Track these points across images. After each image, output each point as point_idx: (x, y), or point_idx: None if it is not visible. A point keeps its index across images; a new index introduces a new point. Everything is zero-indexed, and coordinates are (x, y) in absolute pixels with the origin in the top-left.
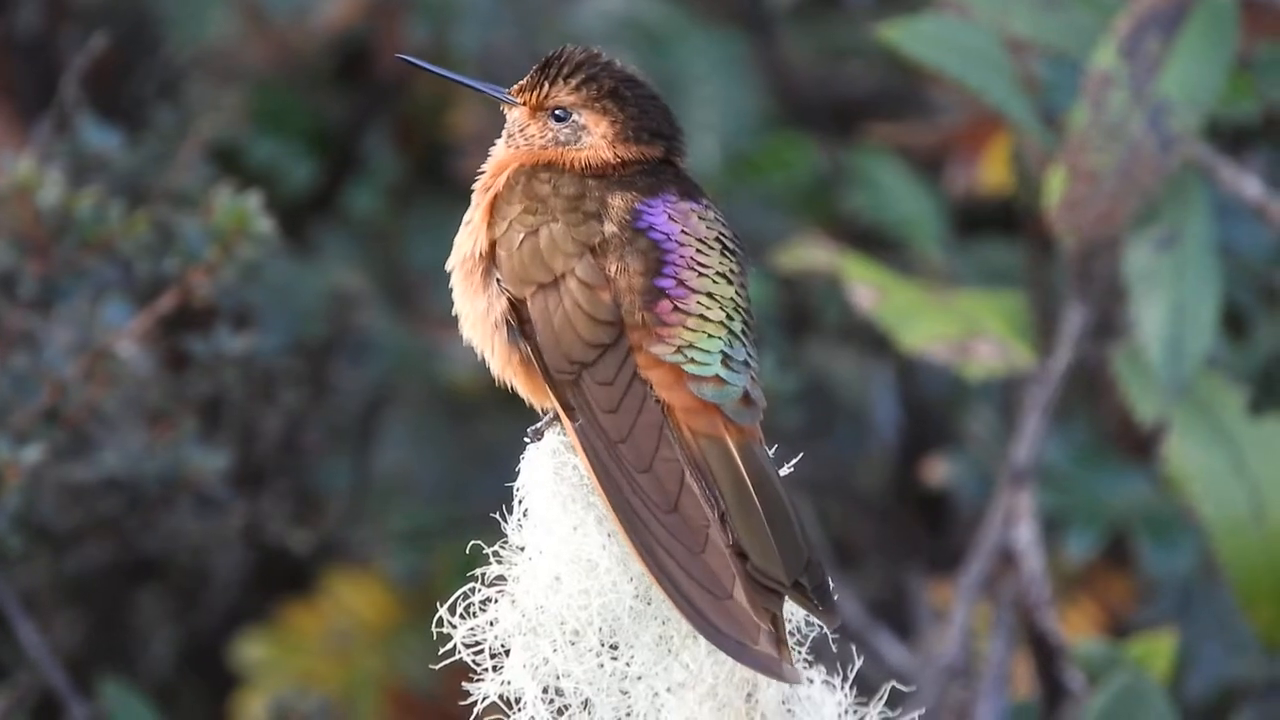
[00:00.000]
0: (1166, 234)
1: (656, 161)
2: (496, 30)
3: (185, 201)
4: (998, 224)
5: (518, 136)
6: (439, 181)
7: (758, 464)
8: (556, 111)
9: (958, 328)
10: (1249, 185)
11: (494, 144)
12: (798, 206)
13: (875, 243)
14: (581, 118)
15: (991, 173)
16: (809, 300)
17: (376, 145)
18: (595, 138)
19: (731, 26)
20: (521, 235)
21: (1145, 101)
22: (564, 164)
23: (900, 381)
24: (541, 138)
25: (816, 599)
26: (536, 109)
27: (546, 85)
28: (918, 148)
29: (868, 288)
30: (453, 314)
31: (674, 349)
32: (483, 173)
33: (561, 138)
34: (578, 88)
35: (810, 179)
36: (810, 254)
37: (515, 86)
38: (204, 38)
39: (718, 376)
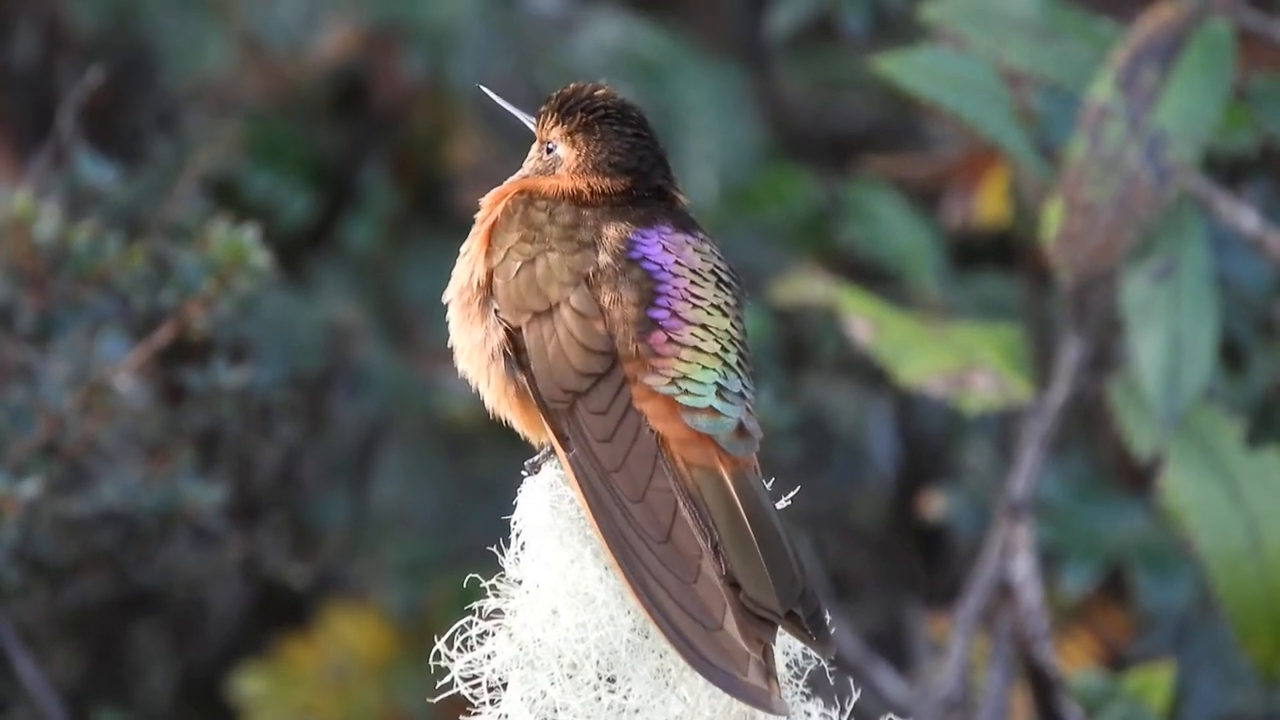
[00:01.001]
0: (1163, 266)
1: (648, 194)
2: (493, 62)
3: (182, 234)
4: (995, 256)
5: (526, 165)
6: (436, 214)
7: (752, 495)
8: (547, 144)
9: (955, 360)
10: (1246, 217)
11: (490, 178)
12: (794, 239)
13: (872, 275)
14: (559, 148)
15: (988, 205)
16: (806, 333)
17: (373, 178)
18: (562, 168)
19: (728, 59)
20: (519, 263)
21: (1142, 133)
22: (549, 193)
23: (897, 414)
24: (532, 165)
25: (811, 629)
26: (540, 141)
27: (546, 118)
28: (914, 180)
29: (865, 320)
30: (448, 345)
31: (668, 380)
32: (481, 204)
33: (542, 167)
34: (559, 120)
35: (807, 211)
36: (807, 286)
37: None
38: (201, 70)
39: (711, 408)
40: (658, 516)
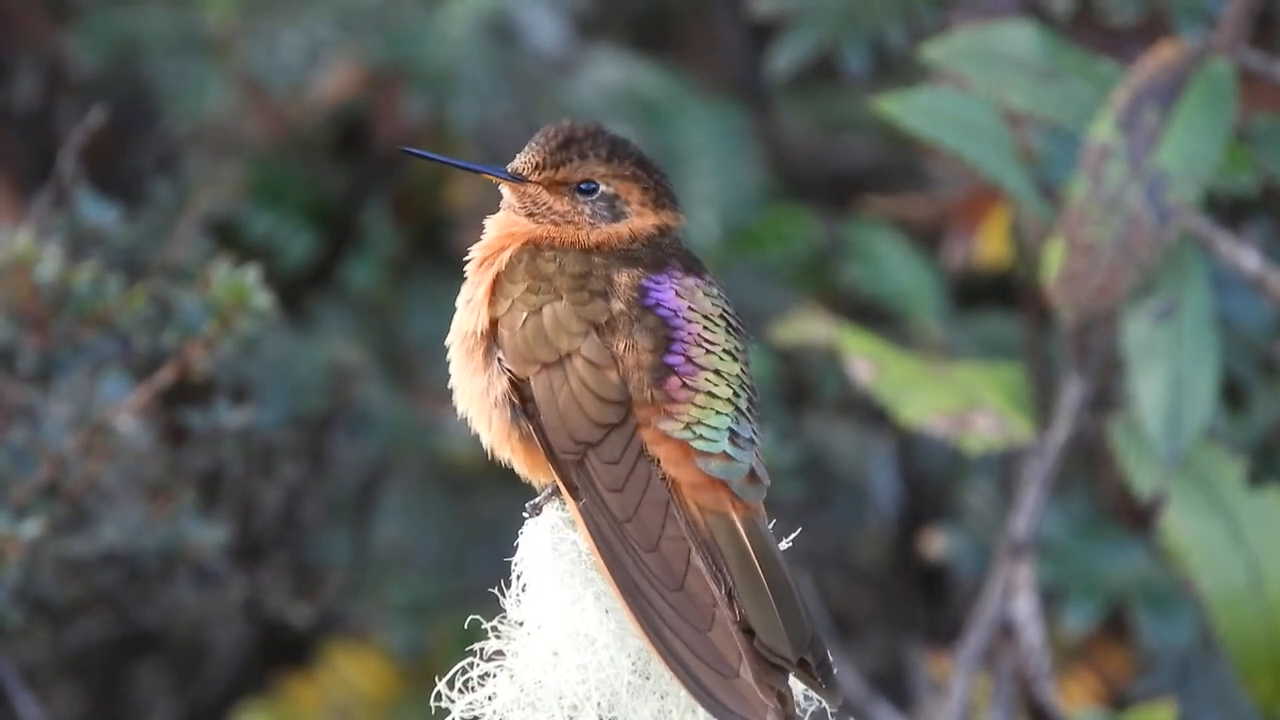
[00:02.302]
0: (1165, 306)
1: (659, 235)
2: (494, 103)
3: (183, 275)
4: (996, 297)
5: (541, 213)
6: (437, 255)
7: (763, 541)
8: (583, 185)
9: (956, 401)
10: (1247, 257)
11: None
12: (796, 279)
13: (873, 316)
14: (611, 188)
15: (989, 245)
16: (808, 373)
17: (374, 219)
18: (634, 205)
19: (729, 99)
20: (525, 314)
21: (1143, 174)
22: (582, 241)
23: (899, 454)
24: (574, 213)
25: (820, 675)
26: (560, 184)
27: (575, 160)
28: (915, 220)
29: (866, 361)
30: (449, 386)
31: (682, 425)
32: (471, 253)
33: (593, 210)
34: (607, 159)
35: (808, 251)
36: (808, 327)
37: (520, 163)
38: (202, 112)
39: (725, 453)
40: (671, 565)
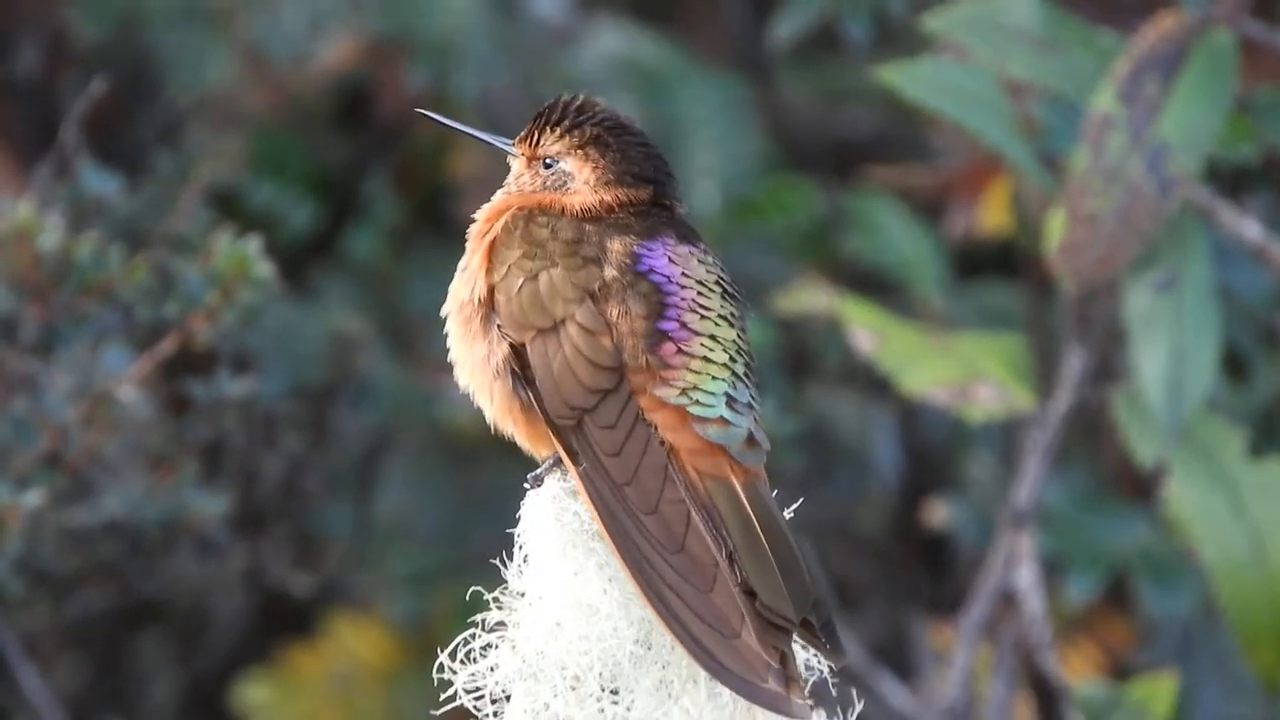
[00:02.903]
0: (1166, 277)
1: (650, 205)
2: (496, 74)
3: (185, 246)
4: (997, 267)
5: (513, 184)
6: (439, 225)
7: (764, 504)
8: (546, 160)
9: (958, 371)
10: (1248, 228)
11: (494, 188)
12: (797, 249)
13: (875, 286)
14: (567, 164)
15: (991, 216)
16: (809, 344)
17: (376, 189)
18: (579, 183)
19: (730, 69)
20: (520, 280)
21: (1144, 144)
22: (557, 208)
23: (901, 424)
24: (532, 185)
25: (824, 636)
26: (531, 158)
27: (537, 134)
28: (917, 191)
29: (868, 331)
30: (449, 360)
31: (678, 391)
32: (475, 220)
33: (549, 184)
34: (562, 135)
35: (810, 222)
36: (810, 297)
37: (517, 137)
38: (204, 83)
39: (722, 418)
40: (671, 528)
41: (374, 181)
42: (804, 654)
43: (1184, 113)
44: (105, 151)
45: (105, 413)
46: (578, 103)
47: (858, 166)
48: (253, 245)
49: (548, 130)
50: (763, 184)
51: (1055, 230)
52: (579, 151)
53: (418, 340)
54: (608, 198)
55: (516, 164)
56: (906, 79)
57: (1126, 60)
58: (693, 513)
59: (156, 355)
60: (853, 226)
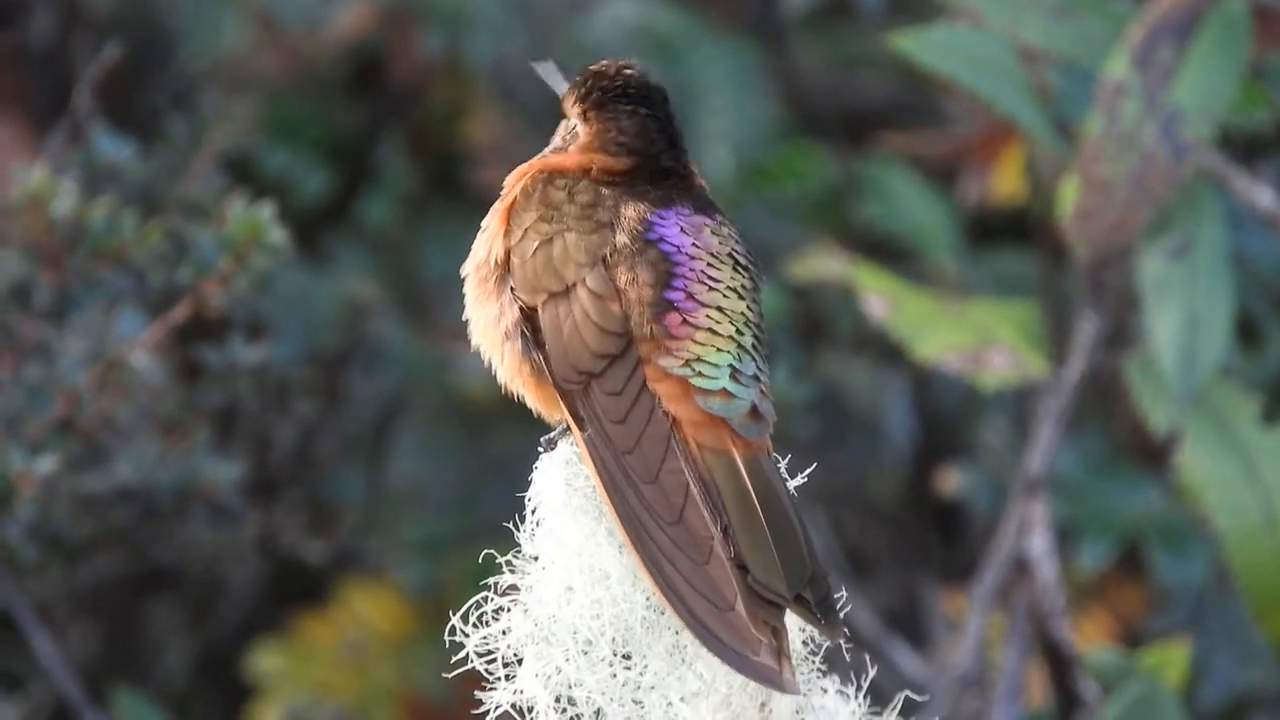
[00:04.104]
0: (1179, 243)
1: (666, 174)
2: (509, 41)
3: (198, 212)
4: (1011, 234)
5: (554, 140)
6: (453, 191)
7: (764, 478)
8: (569, 119)
9: (971, 338)
10: (1262, 195)
11: (508, 154)
12: (810, 216)
13: (888, 252)
14: (578, 126)
15: (1004, 182)
16: (822, 310)
17: (390, 155)
18: (575, 144)
19: (744, 36)
20: (536, 243)
21: (1158, 111)
22: (568, 170)
23: (914, 391)
24: (561, 143)
25: (820, 612)
26: (565, 117)
27: (570, 95)
28: (930, 157)
29: (881, 298)
30: (463, 320)
31: (681, 362)
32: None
33: (562, 143)
34: (580, 99)
35: (823, 189)
36: (823, 264)
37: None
38: (217, 48)
39: (725, 390)
40: (670, 498)
41: (387, 147)
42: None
43: (1198, 79)
44: (119, 117)
45: (118, 378)
46: (613, 68)
47: (871, 133)
48: (266, 211)
49: (574, 91)
50: (776, 150)
51: (1068, 196)
52: (584, 115)
53: (431, 307)
54: (584, 161)
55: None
56: (920, 45)
57: (1140, 26)
58: (691, 484)
59: (170, 321)
60: (866, 193)
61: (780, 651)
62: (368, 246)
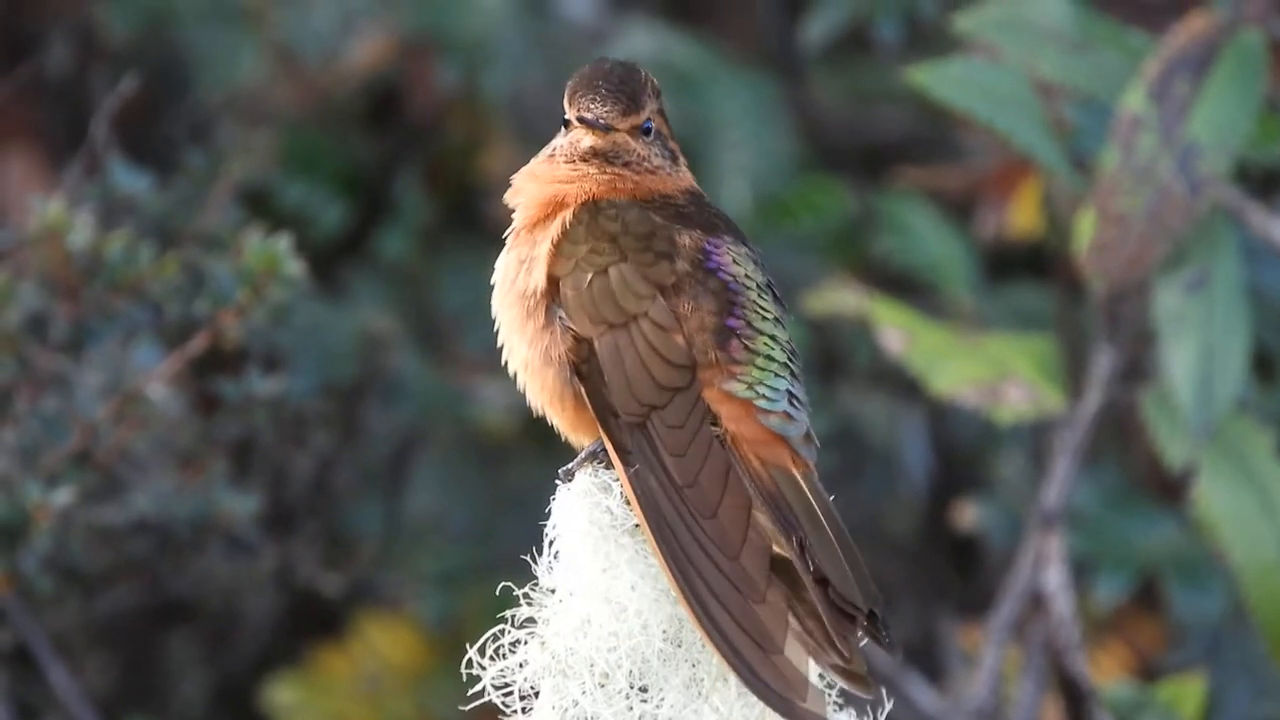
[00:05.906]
0: (1196, 277)
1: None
2: (527, 73)
3: (215, 244)
4: (1028, 267)
5: (635, 162)
6: (469, 224)
7: (823, 496)
8: (644, 125)
9: (988, 371)
10: (1278, 228)
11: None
12: (828, 249)
13: (905, 286)
14: (657, 124)
15: (1021, 216)
16: (839, 344)
17: (407, 188)
18: (675, 145)
19: (761, 69)
20: (590, 274)
21: (1174, 144)
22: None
23: (930, 425)
24: (650, 157)
25: (883, 630)
26: (635, 129)
27: (640, 98)
28: (947, 191)
29: (898, 331)
30: (498, 345)
31: (745, 385)
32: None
33: (658, 153)
34: (656, 93)
35: (840, 222)
36: (840, 297)
37: (600, 111)
38: (234, 80)
39: (785, 412)
40: (729, 534)
41: (404, 180)
42: (818, 670)
43: (1214, 112)
44: (135, 149)
45: (135, 410)
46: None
47: (888, 167)
48: (283, 243)
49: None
50: (793, 184)
51: (1085, 230)
52: (661, 111)
53: (448, 339)
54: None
55: (618, 139)
56: (937, 79)
57: (1157, 60)
58: (755, 509)
59: (186, 353)
60: (883, 227)
61: (852, 673)
62: (385, 279)
